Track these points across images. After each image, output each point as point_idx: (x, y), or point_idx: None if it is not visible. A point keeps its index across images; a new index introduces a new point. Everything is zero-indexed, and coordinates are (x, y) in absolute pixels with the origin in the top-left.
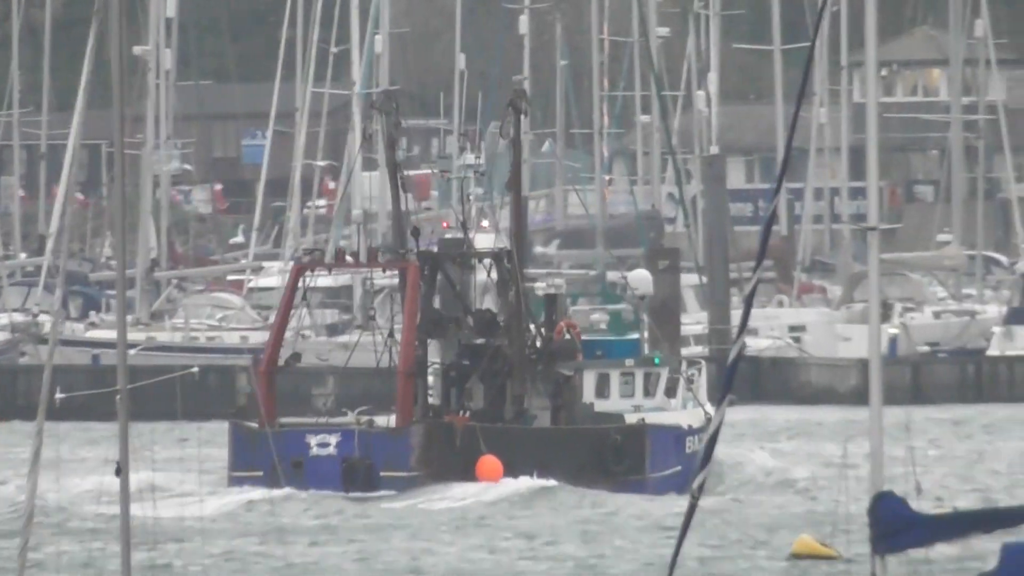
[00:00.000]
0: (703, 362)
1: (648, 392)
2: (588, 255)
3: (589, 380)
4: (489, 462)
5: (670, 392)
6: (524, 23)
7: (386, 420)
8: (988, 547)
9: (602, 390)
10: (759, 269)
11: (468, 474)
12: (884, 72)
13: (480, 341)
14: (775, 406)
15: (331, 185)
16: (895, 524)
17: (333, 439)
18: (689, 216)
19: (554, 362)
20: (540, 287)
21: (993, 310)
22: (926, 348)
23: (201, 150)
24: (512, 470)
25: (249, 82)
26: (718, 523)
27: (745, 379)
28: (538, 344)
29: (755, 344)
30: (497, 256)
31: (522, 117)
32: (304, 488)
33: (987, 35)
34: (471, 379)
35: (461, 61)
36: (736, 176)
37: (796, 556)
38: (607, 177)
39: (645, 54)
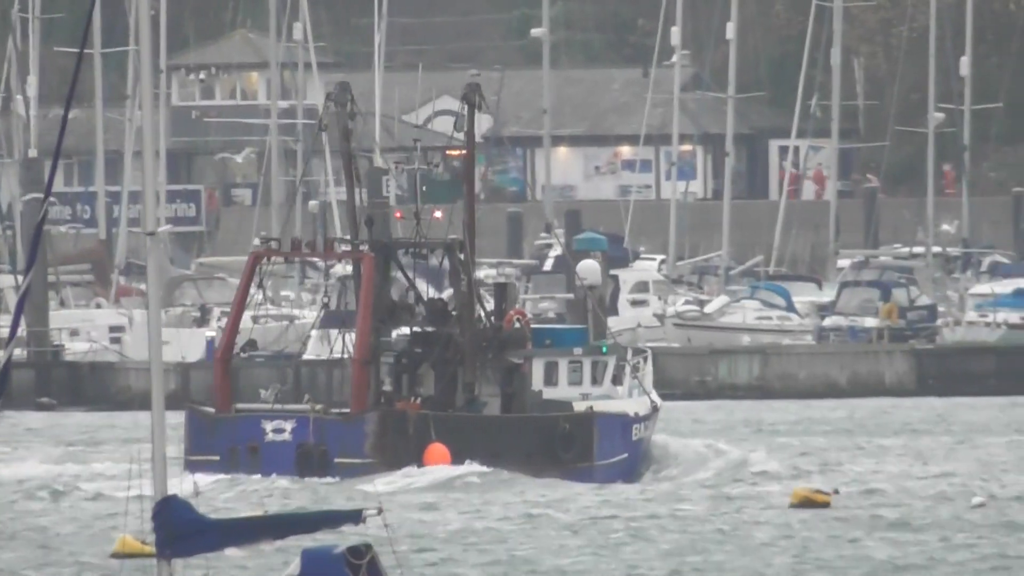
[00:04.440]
0: (649, 351)
1: (596, 380)
2: None
3: (538, 368)
4: (437, 450)
5: (617, 380)
6: None
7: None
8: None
9: (551, 378)
10: (30, 272)
11: (420, 461)
12: (203, 75)
13: (432, 329)
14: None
15: None
16: (182, 529)
17: (288, 425)
18: (6, 219)
19: (504, 350)
20: (491, 276)
21: (311, 314)
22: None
23: None
24: (462, 457)
25: None
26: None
27: (65, 384)
28: (489, 332)
29: (75, 347)
30: (450, 246)
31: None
32: (259, 473)
33: (307, 38)
34: (423, 366)
35: None
36: (56, 179)
37: (117, 556)
38: None
39: None
